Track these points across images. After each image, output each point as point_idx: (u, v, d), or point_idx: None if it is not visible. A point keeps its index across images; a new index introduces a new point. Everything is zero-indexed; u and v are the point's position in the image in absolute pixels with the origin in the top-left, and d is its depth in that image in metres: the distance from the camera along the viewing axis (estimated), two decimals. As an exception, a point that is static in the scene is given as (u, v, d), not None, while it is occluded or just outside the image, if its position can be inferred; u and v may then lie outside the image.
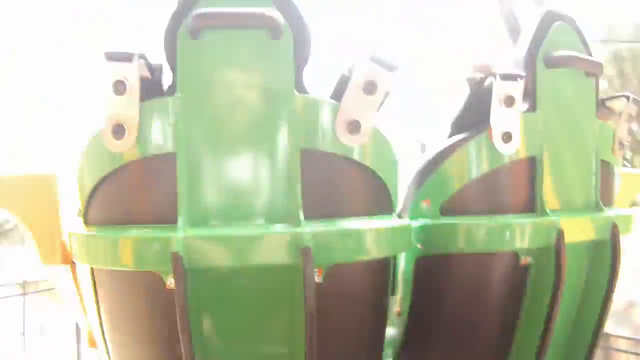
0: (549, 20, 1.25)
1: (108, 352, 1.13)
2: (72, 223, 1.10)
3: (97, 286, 1.09)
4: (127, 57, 0.95)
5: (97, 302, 1.11)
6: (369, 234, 1.02)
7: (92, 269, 1.08)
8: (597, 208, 1.30)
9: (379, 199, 1.08)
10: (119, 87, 0.95)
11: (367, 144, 1.02)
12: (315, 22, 1.02)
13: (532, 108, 1.22)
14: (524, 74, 1.19)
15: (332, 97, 1.04)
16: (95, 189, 1.02)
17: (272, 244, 0.96)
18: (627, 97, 1.35)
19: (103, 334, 1.13)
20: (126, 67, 0.94)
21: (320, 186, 1.01)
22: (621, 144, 1.38)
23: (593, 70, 1.27)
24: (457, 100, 1.24)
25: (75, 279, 1.18)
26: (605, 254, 1.31)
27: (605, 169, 1.35)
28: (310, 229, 0.96)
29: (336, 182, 1.03)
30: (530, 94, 1.21)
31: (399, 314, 1.33)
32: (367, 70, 0.99)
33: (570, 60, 1.22)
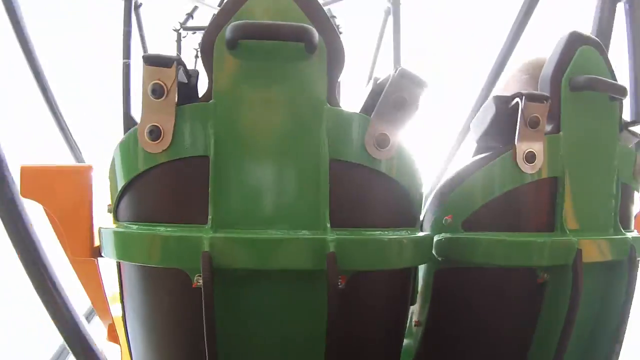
0: (574, 43, 1.26)
1: (129, 346, 1.16)
2: (102, 218, 1.14)
3: (122, 281, 1.13)
4: (166, 62, 0.98)
5: (122, 297, 1.14)
6: (391, 244, 1.04)
7: (118, 264, 1.12)
8: (616, 230, 1.31)
9: (404, 211, 1.11)
10: (157, 91, 0.98)
11: (394, 157, 1.05)
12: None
13: (556, 130, 1.24)
14: (549, 96, 1.21)
15: (362, 111, 1.07)
16: (127, 187, 1.05)
17: (298, 248, 0.99)
18: None
19: (126, 329, 1.16)
20: (164, 72, 0.98)
21: (347, 195, 1.04)
22: None
23: (617, 94, 1.29)
24: (483, 118, 1.25)
25: (99, 273, 1.21)
26: (622, 274, 1.32)
27: (626, 192, 1.36)
28: (336, 235, 0.98)
29: (363, 192, 1.06)
30: (554, 116, 1.23)
31: (418, 325, 1.35)
32: (398, 87, 1.01)
33: (594, 84, 1.24)
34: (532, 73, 1.44)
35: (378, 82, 1.07)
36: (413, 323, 1.36)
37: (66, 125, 2.94)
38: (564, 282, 1.21)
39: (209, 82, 1.02)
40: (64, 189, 1.14)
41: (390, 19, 3.68)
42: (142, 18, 3.56)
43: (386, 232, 1.06)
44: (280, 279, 1.02)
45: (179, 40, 4.71)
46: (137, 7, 3.42)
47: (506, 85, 1.51)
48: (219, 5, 4.70)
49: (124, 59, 3.01)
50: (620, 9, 2.04)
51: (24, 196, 1.15)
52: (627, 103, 1.36)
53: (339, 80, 1.05)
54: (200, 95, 1.04)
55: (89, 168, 1.14)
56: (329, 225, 0.99)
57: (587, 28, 2.05)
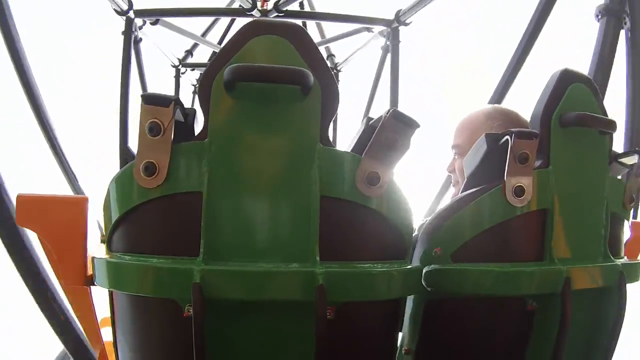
0: (565, 80, 1.30)
1: None
2: (95, 248, 1.15)
3: (114, 308, 1.15)
4: (164, 102, 1.00)
5: (114, 323, 1.16)
6: (380, 276, 1.07)
7: (110, 292, 1.14)
8: (605, 257, 1.34)
9: (393, 245, 1.13)
10: (154, 129, 1.00)
11: (385, 194, 1.08)
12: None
13: (546, 164, 1.27)
14: (538, 132, 1.24)
15: (354, 149, 1.09)
16: (121, 219, 1.07)
17: (288, 280, 1.02)
18: (639, 153, 1.39)
19: (117, 355, 1.18)
20: (162, 111, 1.00)
21: (338, 230, 1.07)
22: (632, 197, 1.42)
23: (606, 129, 1.32)
24: (475, 155, 1.28)
25: (92, 300, 1.22)
26: (612, 300, 1.35)
27: (615, 221, 1.39)
28: (325, 268, 1.01)
29: (353, 227, 1.08)
30: (544, 151, 1.26)
31: (408, 353, 1.37)
32: (390, 128, 1.04)
33: (584, 121, 1.27)
34: (502, 119, 1.58)
35: (370, 122, 1.09)
36: (403, 351, 1.37)
37: (64, 156, 2.96)
38: (552, 309, 1.24)
39: (204, 121, 1.04)
40: (59, 218, 1.15)
41: (389, 57, 3.72)
42: (141, 54, 3.56)
43: (375, 265, 1.08)
44: (270, 310, 1.04)
45: (177, 76, 4.78)
46: (137, 42, 3.42)
47: (473, 135, 1.55)
48: (219, 43, 4.75)
49: (121, 93, 3.01)
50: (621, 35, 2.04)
51: (20, 224, 1.16)
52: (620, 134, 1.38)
53: (332, 119, 1.07)
54: (196, 132, 1.06)
55: (85, 199, 1.15)
56: (318, 258, 1.02)
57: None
